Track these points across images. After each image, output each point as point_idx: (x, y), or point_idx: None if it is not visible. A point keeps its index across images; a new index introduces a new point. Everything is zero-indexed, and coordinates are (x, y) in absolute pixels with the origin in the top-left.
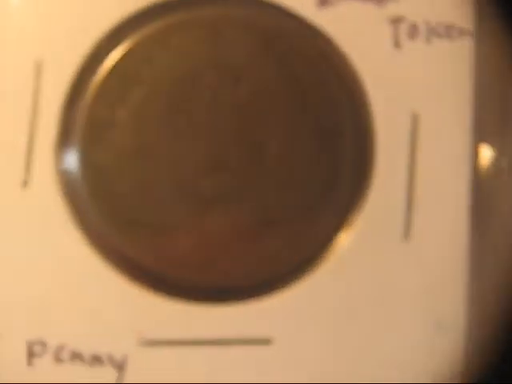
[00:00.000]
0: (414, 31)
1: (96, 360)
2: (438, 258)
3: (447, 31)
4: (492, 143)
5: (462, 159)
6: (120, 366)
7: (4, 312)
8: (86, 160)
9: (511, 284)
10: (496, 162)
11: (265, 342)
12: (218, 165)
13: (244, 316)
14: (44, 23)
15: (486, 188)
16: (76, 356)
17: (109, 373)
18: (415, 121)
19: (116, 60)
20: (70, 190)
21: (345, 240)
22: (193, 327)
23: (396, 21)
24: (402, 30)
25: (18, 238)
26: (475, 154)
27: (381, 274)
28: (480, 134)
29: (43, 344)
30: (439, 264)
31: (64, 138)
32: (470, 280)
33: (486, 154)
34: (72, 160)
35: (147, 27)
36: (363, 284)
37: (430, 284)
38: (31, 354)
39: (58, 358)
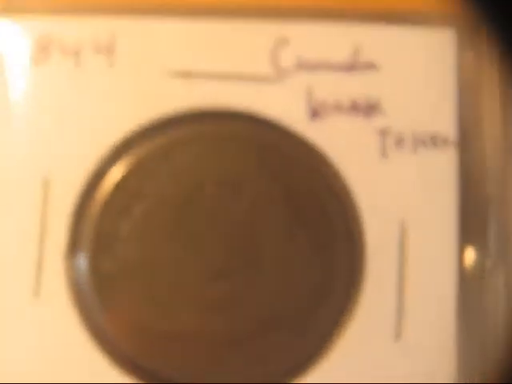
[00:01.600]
0: (400, 141)
1: None
2: (428, 355)
3: (432, 140)
4: (476, 245)
5: (448, 262)
6: None
7: None
8: (94, 270)
9: (497, 379)
10: (480, 262)
11: None
12: (219, 273)
13: None
14: (50, 141)
15: (472, 288)
16: None
17: None
18: (403, 227)
19: (120, 175)
20: (80, 298)
21: (339, 342)
22: None
23: (383, 132)
24: (389, 140)
25: (30, 347)
26: (461, 256)
27: (375, 370)
28: (465, 236)
29: None
30: (429, 361)
31: (72, 249)
32: (458, 376)
33: (471, 255)
34: (81, 270)
35: (150, 142)
36: (360, 380)
37: (421, 379)
38: None
39: None
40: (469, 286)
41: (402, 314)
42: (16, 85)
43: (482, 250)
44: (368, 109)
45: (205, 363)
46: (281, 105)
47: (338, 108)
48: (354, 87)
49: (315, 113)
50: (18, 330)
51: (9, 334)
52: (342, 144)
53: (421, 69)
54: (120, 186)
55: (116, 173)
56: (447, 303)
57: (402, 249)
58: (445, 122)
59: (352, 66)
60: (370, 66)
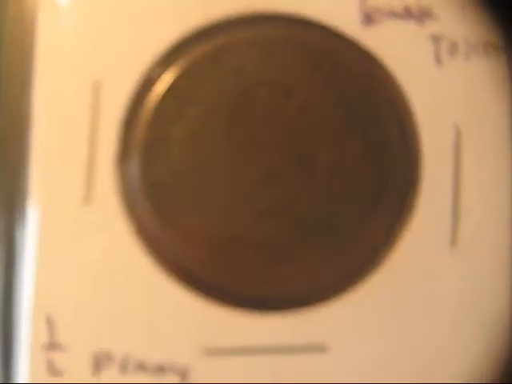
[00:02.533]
0: (453, 48)
1: (160, 370)
2: (483, 263)
3: (484, 48)
4: None
5: (504, 169)
6: (183, 375)
7: (69, 325)
8: (146, 176)
9: None
10: None
11: (321, 349)
12: (271, 178)
13: (300, 324)
14: (101, 45)
15: None
16: (140, 366)
17: (172, 381)
18: (458, 132)
19: (171, 79)
20: (131, 205)
21: (395, 248)
22: (252, 336)
23: (437, 38)
24: (443, 46)
25: (81, 254)
26: None
27: (430, 280)
28: None
29: (109, 355)
30: (484, 269)
31: (124, 156)
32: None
33: None
34: (132, 176)
35: (201, 46)
36: (414, 290)
37: (477, 288)
38: (97, 366)
39: (123, 369)
40: None
41: (457, 220)
42: None
43: None
44: (421, 14)
45: (257, 269)
46: (333, 10)
47: (391, 13)
48: None
49: (368, 18)
50: (67, 238)
51: (60, 241)
52: (395, 49)
53: None
54: (171, 91)
55: (167, 77)
56: (503, 210)
57: (456, 154)
58: (495, 30)
59: None
60: None
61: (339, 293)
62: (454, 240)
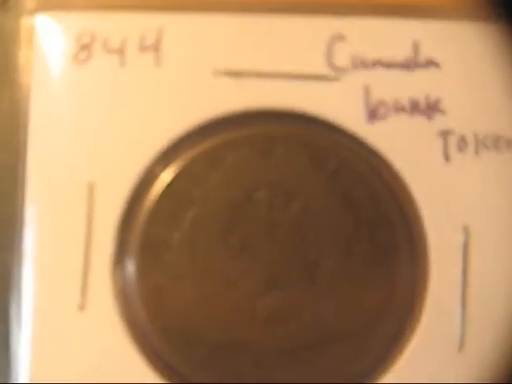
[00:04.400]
0: (462, 144)
1: None
2: (490, 367)
3: (495, 143)
4: None
5: None
6: None
7: None
8: (142, 280)
9: None
10: None
11: None
12: (274, 284)
13: None
14: (96, 145)
15: None
16: None
17: None
18: (467, 234)
19: (168, 180)
20: (128, 310)
21: (403, 354)
22: None
23: (445, 134)
24: (452, 142)
25: (76, 360)
26: None
27: None
28: None
29: None
30: (491, 373)
31: (119, 259)
32: None
33: None
34: (128, 280)
35: (199, 146)
36: None
37: None
38: None
39: None
40: None
41: (465, 325)
42: (57, 85)
43: None
44: (428, 109)
45: (258, 377)
46: (337, 105)
47: (397, 108)
48: (414, 86)
49: (373, 113)
50: (64, 344)
51: (55, 347)
52: (402, 147)
53: (481, 66)
54: (168, 192)
55: (164, 178)
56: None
57: (465, 257)
58: (508, 124)
59: (411, 64)
60: (430, 63)
61: None
62: (462, 344)
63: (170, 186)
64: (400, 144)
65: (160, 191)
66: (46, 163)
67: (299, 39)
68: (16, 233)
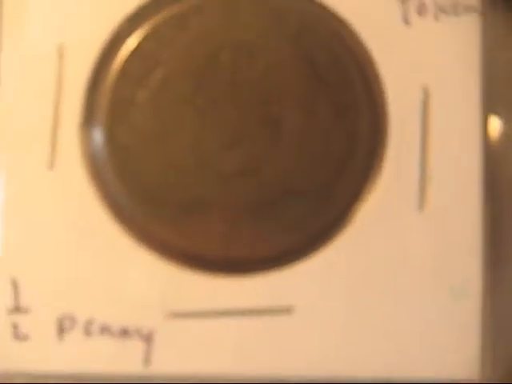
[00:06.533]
0: (422, 8)
1: (124, 333)
2: (452, 225)
3: (454, 8)
4: (500, 113)
5: (473, 130)
6: (147, 339)
7: (34, 288)
8: (110, 140)
9: None
10: (504, 131)
11: (287, 311)
12: (238, 140)
13: (266, 286)
14: (65, 8)
15: (496, 156)
16: (104, 330)
17: (137, 345)
18: (426, 94)
19: (137, 42)
20: (96, 170)
21: (362, 210)
22: (217, 299)
23: None
24: (411, 7)
25: (46, 218)
26: (484, 125)
27: (397, 242)
28: (489, 105)
29: (73, 319)
30: (454, 231)
31: (88, 119)
32: (484, 246)
33: (495, 123)
34: (97, 140)
35: (166, 10)
36: (381, 252)
37: (445, 251)
38: (61, 329)
39: (87, 332)
40: (493, 154)
41: (425, 183)
42: None
43: (505, 118)
44: None
45: (222, 231)
46: None
47: None
48: None
49: None
50: (32, 204)
51: (24, 206)
52: (363, 11)
53: None
54: (136, 54)
55: (132, 41)
56: (471, 172)
57: (424, 116)
58: None
59: None
60: None
61: (306, 255)
62: (421, 203)
63: (137, 48)
64: (360, 8)
65: (128, 53)
66: (19, 26)
67: None
68: None
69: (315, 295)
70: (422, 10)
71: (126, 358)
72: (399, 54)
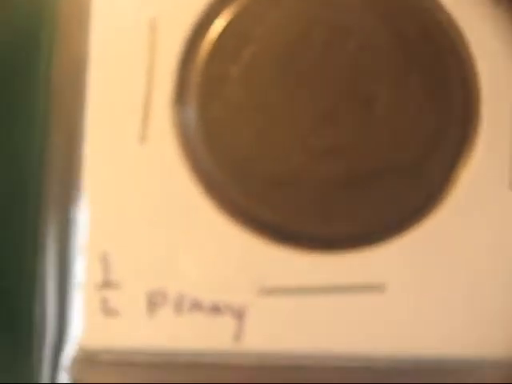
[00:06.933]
0: None
1: (215, 309)
2: None
3: None
4: None
5: None
6: (239, 315)
7: (124, 263)
8: (201, 114)
9: None
10: None
11: (379, 288)
12: (329, 118)
13: (358, 263)
14: None
15: None
16: (195, 306)
17: (228, 321)
18: None
19: (229, 19)
20: (187, 143)
21: (454, 189)
22: (310, 275)
23: None
24: None
25: (137, 192)
26: None
27: (488, 222)
28: None
29: (164, 294)
30: None
31: (180, 95)
32: None
33: None
34: (188, 114)
35: None
36: (473, 231)
37: None
38: (152, 305)
39: (178, 308)
40: None
41: None
42: None
43: None
44: None
45: (315, 207)
46: None
47: None
48: None
49: None
50: (123, 177)
51: (116, 180)
52: None
53: None
54: (228, 30)
55: (224, 17)
56: None
57: None
58: None
59: None
60: None
61: (398, 232)
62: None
63: (229, 24)
64: None
65: (220, 29)
66: (110, 2)
67: None
68: (80, 70)
69: (408, 273)
70: None
71: (217, 335)
72: (490, 31)
